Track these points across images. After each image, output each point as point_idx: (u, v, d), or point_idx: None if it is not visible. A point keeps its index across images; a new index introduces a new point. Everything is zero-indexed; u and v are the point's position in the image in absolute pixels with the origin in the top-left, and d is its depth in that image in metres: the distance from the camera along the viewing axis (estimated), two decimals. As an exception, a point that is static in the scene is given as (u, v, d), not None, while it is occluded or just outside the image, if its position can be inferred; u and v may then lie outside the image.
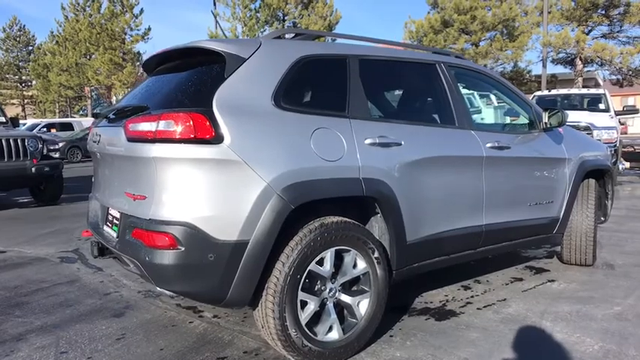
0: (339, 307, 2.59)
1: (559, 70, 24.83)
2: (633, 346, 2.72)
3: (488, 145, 3.28)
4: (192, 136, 2.16)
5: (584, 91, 12.06)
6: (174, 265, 2.18)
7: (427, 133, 3.00)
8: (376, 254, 2.62)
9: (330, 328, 2.51)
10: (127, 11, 31.63)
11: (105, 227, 2.81)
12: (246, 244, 2.21)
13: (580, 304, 3.38)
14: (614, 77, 22.81)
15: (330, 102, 2.65)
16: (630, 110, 10.98)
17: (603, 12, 19.22)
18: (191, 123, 2.16)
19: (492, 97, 7.32)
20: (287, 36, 2.88)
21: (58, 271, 4.31)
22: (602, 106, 10.59)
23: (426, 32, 22.19)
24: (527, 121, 3.86)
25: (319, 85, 2.69)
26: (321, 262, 2.44)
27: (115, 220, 2.67)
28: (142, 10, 32.18)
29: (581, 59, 20.88)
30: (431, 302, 3.45)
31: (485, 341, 2.80)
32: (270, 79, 2.44)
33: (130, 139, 2.35)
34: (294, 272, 2.32)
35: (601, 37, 20.96)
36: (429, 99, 3.26)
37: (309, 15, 26.31)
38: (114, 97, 35.37)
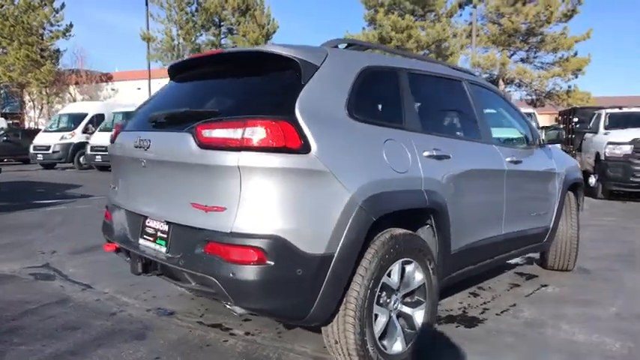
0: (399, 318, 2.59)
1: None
2: (649, 343, 3.00)
3: (508, 159, 3.47)
4: (282, 144, 2.06)
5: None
6: (261, 282, 2.05)
7: (465, 147, 3.11)
8: (432, 265, 2.65)
9: (395, 341, 2.50)
10: (45, 4, 29.30)
11: (142, 241, 2.59)
12: (332, 258, 2.15)
13: (582, 307, 3.64)
14: (528, 97, 24.93)
15: (390, 113, 2.67)
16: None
17: (524, 39, 21.07)
18: (281, 131, 2.06)
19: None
20: (339, 46, 2.85)
21: (37, 289, 3.86)
22: (533, 124, 11.59)
23: (364, 47, 22.86)
24: (524, 137, 4.13)
25: (379, 96, 2.70)
26: (389, 274, 2.43)
27: (160, 234, 2.47)
28: (63, 5, 30.01)
29: (503, 80, 22.66)
30: (450, 310, 3.55)
31: (523, 345, 2.94)
32: (342, 89, 2.41)
33: (205, 146, 2.17)
34: (372, 285, 2.29)
35: (519, 61, 22.90)
36: (460, 113, 3.39)
37: (247, 22, 26.09)
38: (27, 96, 32.46)
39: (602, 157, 9.72)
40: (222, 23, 26.65)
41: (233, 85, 2.57)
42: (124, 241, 2.73)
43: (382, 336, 2.44)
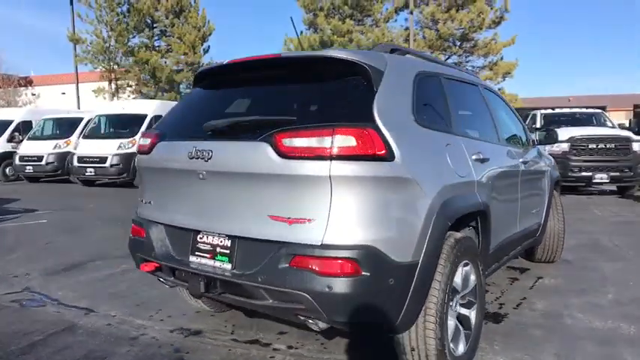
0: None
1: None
2: (658, 325, 3.27)
3: (521, 160, 3.64)
4: (371, 152, 2.02)
5: None
6: (357, 294, 1.99)
7: (495, 149, 3.22)
8: (482, 266, 2.72)
9: (459, 342, 2.54)
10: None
11: (194, 258, 2.43)
12: (417, 265, 2.14)
13: (583, 296, 3.90)
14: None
15: (441, 118, 2.70)
16: None
17: (459, 44, 22.22)
18: (370, 138, 2.02)
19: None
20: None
21: (32, 317, 3.48)
22: None
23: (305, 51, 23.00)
24: (523, 138, 4.36)
25: (432, 101, 2.72)
26: (455, 278, 2.46)
27: (220, 249, 2.33)
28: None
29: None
30: (471, 308, 3.66)
31: (554, 337, 3.09)
32: (407, 94, 2.41)
33: (287, 156, 2.07)
34: (448, 289, 2.31)
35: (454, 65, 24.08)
36: (483, 116, 3.50)
37: (181, 24, 25.25)
38: None
39: None
40: (155, 25, 25.55)
41: (296, 91, 2.47)
42: (168, 259, 2.53)
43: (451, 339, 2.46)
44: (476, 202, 2.60)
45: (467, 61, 23.27)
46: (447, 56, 22.13)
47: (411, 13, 22.43)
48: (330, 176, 2.00)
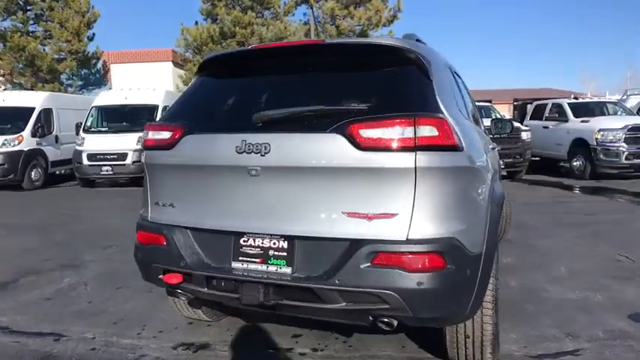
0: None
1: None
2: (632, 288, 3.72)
3: (491, 146, 3.88)
4: (449, 142, 1.99)
5: None
6: (445, 288, 1.95)
7: (487, 138, 3.37)
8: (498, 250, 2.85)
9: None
10: None
11: (238, 264, 2.20)
12: (482, 254, 2.16)
13: (542, 272, 4.28)
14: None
15: (464, 108, 2.74)
16: None
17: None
18: (448, 128, 1.99)
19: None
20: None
21: (-14, 352, 2.88)
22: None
23: (205, 42, 22.05)
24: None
25: (454, 91, 2.73)
26: None
27: (273, 252, 2.14)
28: None
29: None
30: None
31: (543, 310, 3.36)
32: (449, 85, 2.41)
33: (366, 148, 1.94)
34: (497, 276, 2.37)
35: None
36: (470, 106, 3.61)
37: (62, 8, 22.67)
38: None
39: None
40: (29, 7, 22.57)
41: (346, 79, 2.31)
42: (203, 268, 2.25)
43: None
44: (500, 189, 2.72)
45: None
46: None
47: (311, 7, 22.70)
48: (415, 168, 1.93)
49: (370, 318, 2.08)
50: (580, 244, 5.24)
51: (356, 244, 1.99)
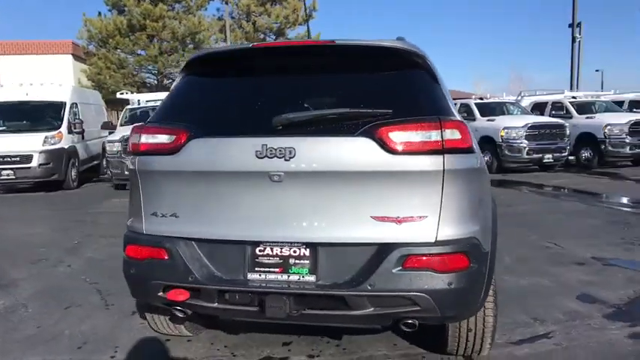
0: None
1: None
2: (569, 272, 4.12)
3: None
4: (468, 145, 2.06)
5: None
6: (469, 286, 2.03)
7: None
8: None
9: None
10: None
11: (255, 275, 2.10)
12: (489, 251, 2.26)
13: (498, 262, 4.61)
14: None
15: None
16: None
17: (274, 37, 22.91)
18: (467, 131, 2.06)
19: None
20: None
21: None
22: None
23: (111, 34, 20.59)
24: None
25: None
26: None
27: (294, 260, 2.08)
28: None
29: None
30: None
31: (508, 297, 3.62)
32: (445, 85, 2.47)
33: (396, 152, 1.95)
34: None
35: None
36: None
37: None
38: None
39: None
40: None
41: (361, 81, 2.28)
42: (214, 281, 2.10)
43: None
44: None
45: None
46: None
47: (227, 3, 22.21)
48: (443, 170, 1.98)
49: (391, 320, 2.11)
50: (512, 234, 5.70)
51: (386, 248, 2.00)
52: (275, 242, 2.09)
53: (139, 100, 13.80)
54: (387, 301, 2.02)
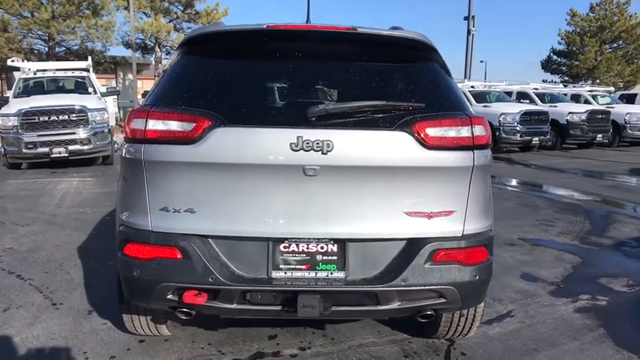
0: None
1: (126, 53, 25.26)
2: (505, 253, 4.49)
3: None
4: (489, 141, 2.14)
5: (69, 73, 11.28)
6: (489, 277, 2.14)
7: None
8: None
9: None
10: None
11: (280, 273, 2.02)
12: None
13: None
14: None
15: None
16: (112, 92, 12.18)
17: (182, 9, 21.60)
18: (488, 128, 2.14)
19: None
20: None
21: None
22: (90, 89, 10.56)
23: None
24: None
25: None
26: None
27: (321, 257, 2.04)
28: None
29: (160, 47, 22.61)
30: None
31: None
32: None
33: (432, 147, 1.96)
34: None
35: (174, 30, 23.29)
36: None
37: None
38: None
39: None
40: None
41: (384, 72, 2.22)
42: (235, 281, 1.97)
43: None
44: None
45: (188, 28, 23.13)
46: (168, 20, 21.30)
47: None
48: (473, 166, 2.04)
49: (412, 312, 2.16)
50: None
51: (417, 242, 2.03)
52: (300, 239, 2.02)
53: (31, 70, 12.25)
54: (415, 295, 2.06)
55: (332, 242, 2.03)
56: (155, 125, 1.99)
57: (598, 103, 16.75)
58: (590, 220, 6.02)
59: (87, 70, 11.41)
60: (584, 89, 19.32)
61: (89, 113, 9.02)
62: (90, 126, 8.98)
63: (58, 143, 8.74)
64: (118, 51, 27.87)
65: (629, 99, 18.58)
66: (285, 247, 2.02)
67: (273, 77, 2.23)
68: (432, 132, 1.99)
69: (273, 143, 1.94)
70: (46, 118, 8.72)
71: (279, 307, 2.04)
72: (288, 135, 1.93)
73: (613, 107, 15.89)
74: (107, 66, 23.35)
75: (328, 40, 2.23)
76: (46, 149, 8.69)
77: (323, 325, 2.98)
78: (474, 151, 2.06)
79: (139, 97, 11.84)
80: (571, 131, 14.32)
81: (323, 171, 1.95)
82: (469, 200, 2.08)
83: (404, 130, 1.98)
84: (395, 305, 2.06)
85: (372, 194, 2.02)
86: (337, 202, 2.01)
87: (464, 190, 2.07)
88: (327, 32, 2.16)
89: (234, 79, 2.21)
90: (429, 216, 2.04)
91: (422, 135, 1.98)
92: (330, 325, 2.98)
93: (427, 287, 2.04)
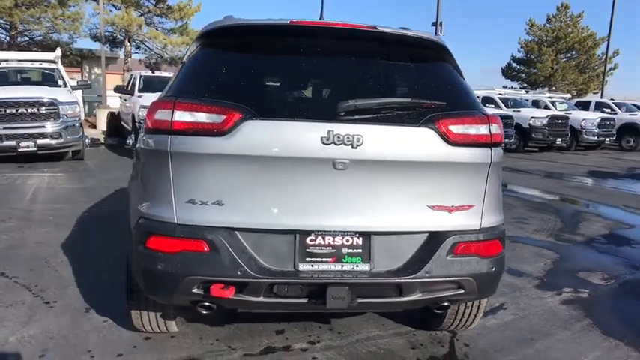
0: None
1: (93, 46, 24.41)
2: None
3: None
4: (501, 140, 2.24)
5: (37, 65, 10.70)
6: (502, 269, 2.23)
7: None
8: None
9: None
10: None
11: (307, 266, 2.05)
12: None
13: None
14: (147, 60, 25.04)
15: None
16: (83, 85, 12.07)
17: (154, 3, 20.99)
18: (501, 126, 2.23)
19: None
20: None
21: None
22: (60, 81, 10.14)
23: None
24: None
25: None
26: None
27: (347, 250, 2.08)
28: None
29: (130, 41, 21.94)
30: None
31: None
32: None
33: (455, 143, 2.05)
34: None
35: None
36: None
37: None
38: None
39: (137, 120, 9.63)
40: None
41: (402, 70, 2.31)
42: (263, 273, 1.97)
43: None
44: None
45: (160, 22, 22.59)
46: (139, 14, 20.70)
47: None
48: (490, 162, 2.15)
49: (430, 303, 2.24)
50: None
51: (439, 235, 2.11)
52: (327, 231, 2.05)
53: None
54: (436, 286, 2.14)
55: (357, 235, 2.08)
56: (182, 116, 1.96)
57: (557, 109, 17.57)
58: (560, 218, 6.33)
59: (54, 61, 10.95)
60: (544, 95, 20.19)
61: (60, 106, 8.65)
62: (61, 119, 8.62)
63: (27, 137, 8.33)
64: (84, 43, 26.74)
65: (584, 106, 19.54)
66: (311, 240, 2.05)
67: (299, 72, 2.25)
68: (455, 129, 2.08)
69: (305, 137, 1.97)
70: (14, 111, 8.29)
71: (304, 300, 2.07)
72: (319, 129, 1.96)
73: (570, 113, 16.69)
74: (73, 58, 22.45)
75: (349, 38, 2.28)
76: (13, 143, 8.26)
77: (328, 320, 3.02)
78: (492, 148, 2.17)
79: (113, 91, 11.42)
80: (533, 135, 14.93)
81: (352, 165, 2.00)
82: (486, 195, 2.19)
83: (428, 127, 2.06)
84: (416, 296, 2.13)
85: (398, 188, 2.08)
86: (363, 195, 2.06)
87: (481, 186, 2.18)
88: (348, 30, 2.21)
89: (261, 72, 2.22)
90: (451, 210, 2.12)
91: (445, 131, 2.06)
92: (334, 320, 3.03)
93: (449, 278, 2.12)
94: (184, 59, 2.47)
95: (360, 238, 2.08)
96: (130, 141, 10.29)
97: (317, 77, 2.23)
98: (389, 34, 2.27)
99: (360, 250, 2.08)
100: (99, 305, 3.10)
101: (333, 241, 2.06)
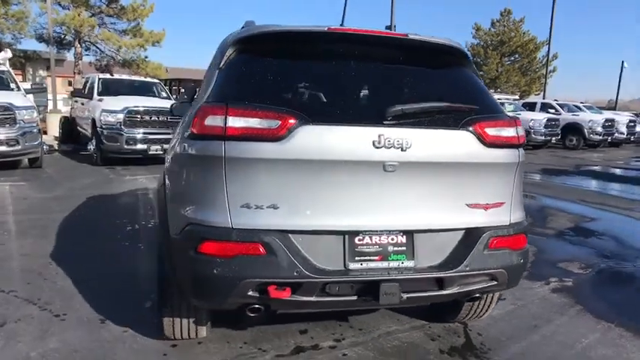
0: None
1: (38, 47, 23.22)
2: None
3: None
4: (524, 141, 2.42)
5: None
6: (527, 261, 2.43)
7: None
8: None
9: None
10: None
11: (357, 265, 2.14)
12: None
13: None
14: (98, 62, 24.08)
15: None
16: (39, 89, 11.64)
17: (106, 3, 20.21)
18: (523, 129, 2.42)
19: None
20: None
21: None
22: (12, 85, 9.46)
23: None
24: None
25: None
26: None
27: (392, 248, 2.19)
28: None
29: (80, 42, 21.03)
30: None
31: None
32: None
33: (491, 145, 2.21)
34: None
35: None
36: None
37: None
38: None
39: (98, 125, 9.34)
40: None
41: (432, 76, 2.45)
42: (317, 274, 2.04)
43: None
44: None
45: (112, 23, 21.81)
46: (90, 14, 19.89)
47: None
48: (518, 162, 2.34)
49: (464, 295, 2.40)
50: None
51: (476, 231, 2.26)
52: (374, 231, 2.15)
53: None
54: (473, 279, 2.28)
55: (401, 234, 2.19)
56: (236, 122, 2.00)
57: (506, 110, 18.50)
58: (529, 213, 6.72)
59: (2, 63, 10.34)
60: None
61: (17, 111, 8.19)
62: (18, 125, 8.16)
63: (-20, 145, 7.86)
64: (28, 44, 25.30)
65: (531, 107, 20.69)
66: (359, 240, 2.14)
67: (342, 77, 2.32)
68: (490, 131, 2.25)
69: (357, 141, 2.06)
70: (-34, 117, 7.81)
71: (355, 297, 2.15)
72: (370, 133, 2.07)
73: (520, 114, 17.65)
74: (16, 60, 21.22)
75: (383, 45, 2.41)
76: (-35, 151, 7.78)
77: (346, 318, 3.11)
78: (519, 148, 2.38)
79: (66, 95, 10.85)
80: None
81: (401, 167, 2.11)
82: (514, 192, 2.38)
83: (467, 130, 2.21)
84: (455, 289, 2.27)
85: (439, 188, 2.22)
86: (408, 195, 2.18)
87: (510, 184, 2.36)
88: (383, 37, 2.35)
89: (305, 78, 2.30)
90: (486, 207, 2.29)
91: (482, 133, 2.23)
92: (352, 317, 3.13)
93: (485, 271, 2.28)
94: (214, 64, 2.45)
95: (404, 237, 2.19)
96: (91, 147, 9.87)
97: (358, 82, 2.32)
98: (420, 42, 2.42)
99: (404, 248, 2.19)
100: (113, 315, 3.04)
101: (380, 240, 2.16)
